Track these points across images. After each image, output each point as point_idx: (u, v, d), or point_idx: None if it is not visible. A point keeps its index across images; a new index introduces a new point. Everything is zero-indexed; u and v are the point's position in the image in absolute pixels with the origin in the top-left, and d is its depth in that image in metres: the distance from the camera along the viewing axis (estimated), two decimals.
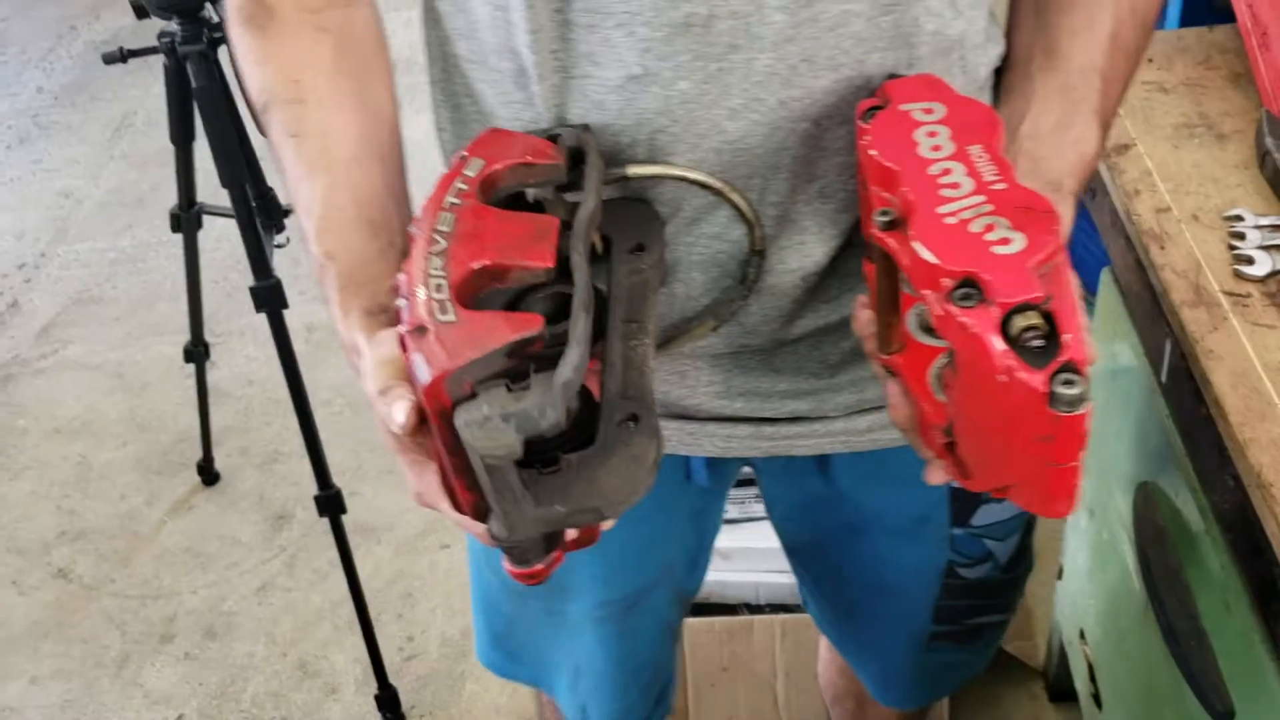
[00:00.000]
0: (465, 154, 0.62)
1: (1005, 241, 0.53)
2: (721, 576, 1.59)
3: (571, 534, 0.60)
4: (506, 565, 0.58)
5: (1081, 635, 1.32)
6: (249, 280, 1.48)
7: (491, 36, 0.68)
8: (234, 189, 1.46)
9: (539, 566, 0.58)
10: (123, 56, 1.62)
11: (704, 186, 0.68)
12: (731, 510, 1.58)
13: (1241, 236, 0.94)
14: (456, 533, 1.58)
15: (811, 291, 0.74)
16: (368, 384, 0.59)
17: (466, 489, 0.56)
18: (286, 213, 1.63)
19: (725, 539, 1.55)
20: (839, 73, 0.65)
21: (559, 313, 0.56)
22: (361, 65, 0.71)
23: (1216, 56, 1.14)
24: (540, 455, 0.54)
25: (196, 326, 1.88)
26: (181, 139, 1.65)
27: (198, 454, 2.07)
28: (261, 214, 1.56)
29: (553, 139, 0.65)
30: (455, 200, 0.59)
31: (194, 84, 1.47)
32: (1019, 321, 0.51)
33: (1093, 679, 1.29)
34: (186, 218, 1.74)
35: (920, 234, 0.54)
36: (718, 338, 0.75)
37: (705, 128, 0.66)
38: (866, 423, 0.81)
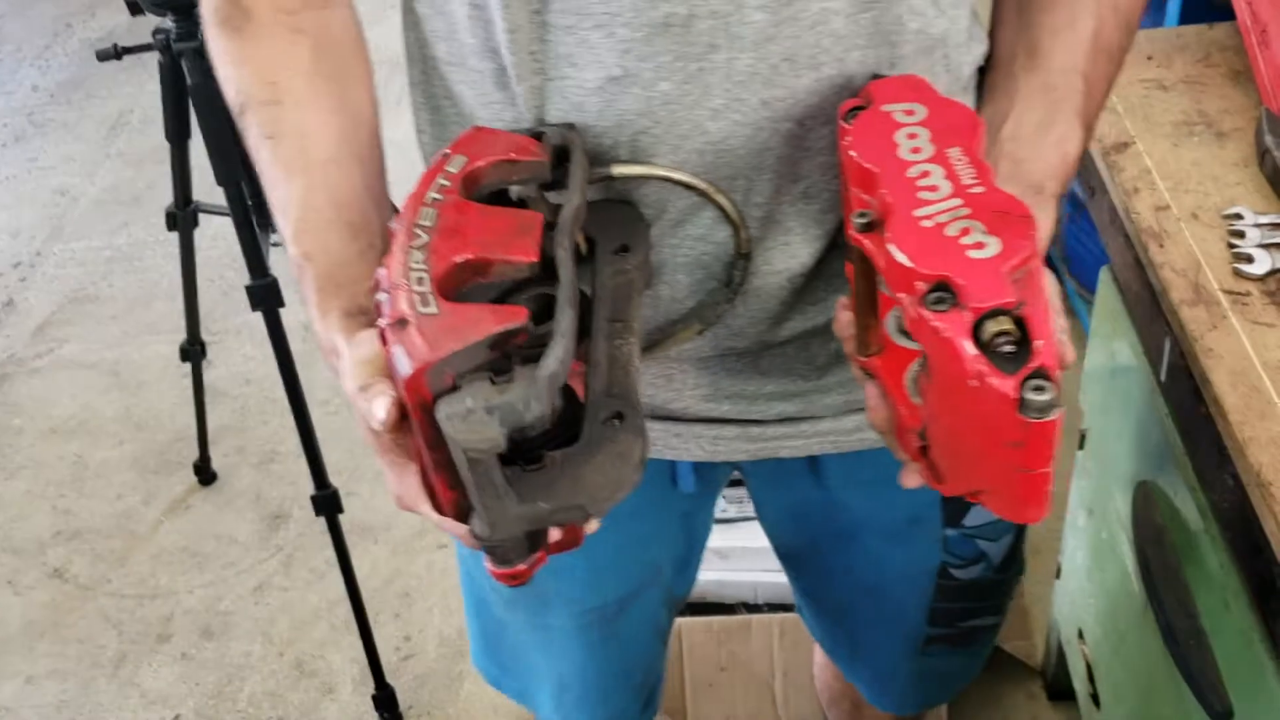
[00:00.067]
0: (448, 151, 0.62)
1: (980, 245, 0.53)
2: (719, 576, 1.59)
3: (555, 535, 0.59)
4: (489, 566, 0.57)
5: (1080, 634, 1.32)
6: (245, 279, 1.48)
7: (470, 38, 0.68)
8: (230, 187, 1.45)
9: (521, 567, 0.57)
10: (117, 53, 1.61)
11: (689, 187, 0.67)
12: (729, 509, 1.58)
13: (1241, 235, 0.93)
14: None
15: (798, 293, 0.74)
16: (347, 382, 0.58)
17: (448, 487, 0.55)
18: None
19: (723, 538, 1.56)
20: (821, 72, 0.65)
21: (544, 314, 0.55)
22: (339, 67, 0.70)
23: (1216, 54, 1.14)
24: (524, 453, 0.54)
25: (193, 325, 1.87)
26: (177, 136, 1.64)
27: (194, 453, 2.06)
28: (257, 212, 1.55)
29: (537, 137, 0.64)
30: (437, 196, 0.58)
31: (189, 81, 1.46)
32: (991, 327, 0.51)
33: (1091, 678, 1.29)
34: (182, 216, 1.74)
35: (896, 237, 0.54)
36: (704, 340, 0.75)
37: (687, 129, 0.65)
38: (854, 423, 0.80)
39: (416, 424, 0.53)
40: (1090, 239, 1.89)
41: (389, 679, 1.68)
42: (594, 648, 0.96)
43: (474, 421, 0.50)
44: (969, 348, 0.50)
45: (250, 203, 1.50)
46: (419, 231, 0.56)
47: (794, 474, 0.87)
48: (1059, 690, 1.54)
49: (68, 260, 2.70)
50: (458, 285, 0.55)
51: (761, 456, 0.82)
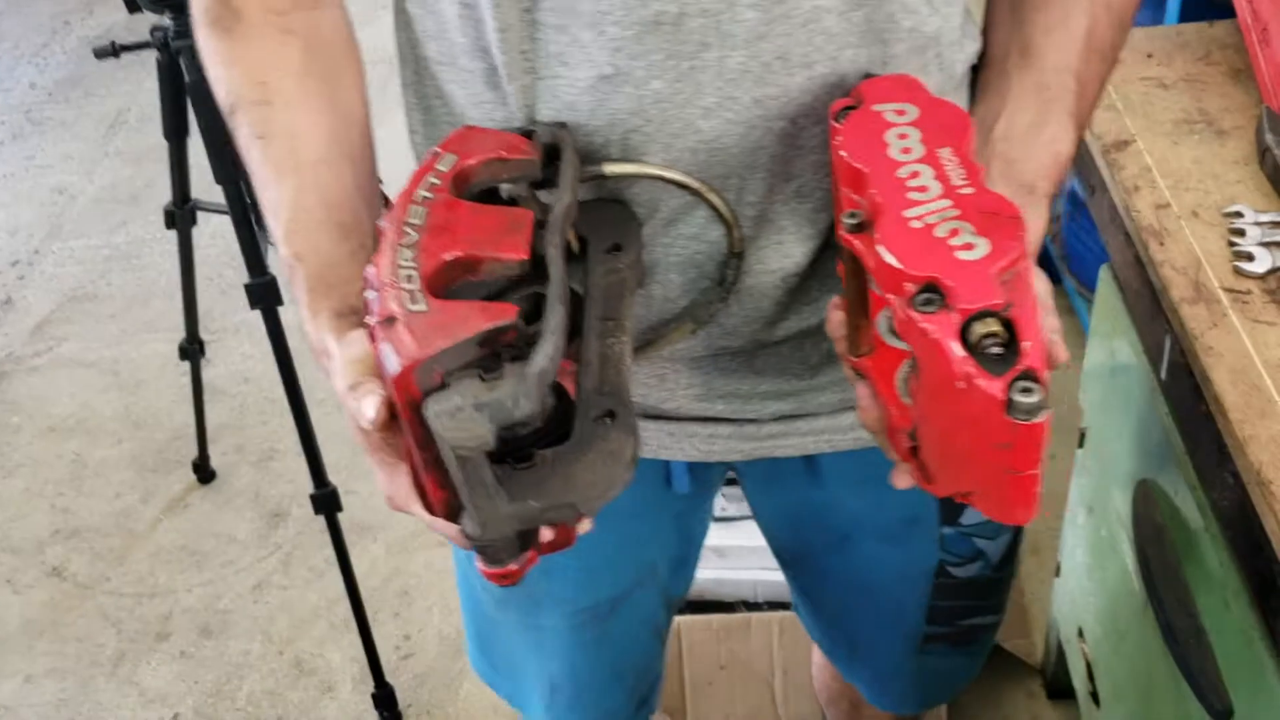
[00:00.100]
0: (438, 150, 0.61)
1: (969, 247, 0.53)
2: (719, 574, 1.59)
3: (547, 535, 0.58)
4: (480, 565, 0.57)
5: (1080, 633, 1.32)
6: (244, 277, 1.47)
7: (460, 37, 0.68)
8: (228, 185, 1.45)
9: (513, 567, 0.57)
10: (114, 51, 1.61)
11: (681, 186, 0.67)
12: (729, 508, 1.58)
13: (1241, 233, 0.93)
14: None
15: (792, 293, 0.73)
16: (337, 382, 0.58)
17: (438, 486, 0.55)
18: None
19: (723, 536, 1.56)
20: (813, 70, 0.65)
21: (535, 313, 0.55)
22: (330, 67, 0.70)
23: (1216, 52, 1.14)
24: (515, 452, 0.53)
25: (191, 324, 1.87)
26: (175, 134, 1.64)
27: (193, 452, 2.06)
28: (256, 210, 1.55)
29: (528, 135, 0.64)
30: (427, 194, 0.58)
31: (187, 79, 1.46)
32: (979, 328, 0.51)
33: (1091, 677, 1.29)
34: (181, 214, 1.73)
35: (885, 238, 0.54)
36: (697, 340, 0.75)
37: (679, 127, 0.65)
38: (849, 420, 0.80)
39: (406, 422, 0.53)
40: (1090, 237, 1.89)
41: (388, 678, 1.67)
42: (587, 648, 0.96)
43: (462, 419, 0.49)
44: (956, 349, 0.50)
45: (249, 201, 1.50)
46: (408, 230, 0.56)
47: (790, 474, 0.87)
48: (1059, 689, 1.54)
49: (66, 259, 2.69)
50: (447, 283, 0.55)
51: (756, 456, 0.82)
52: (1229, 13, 1.12)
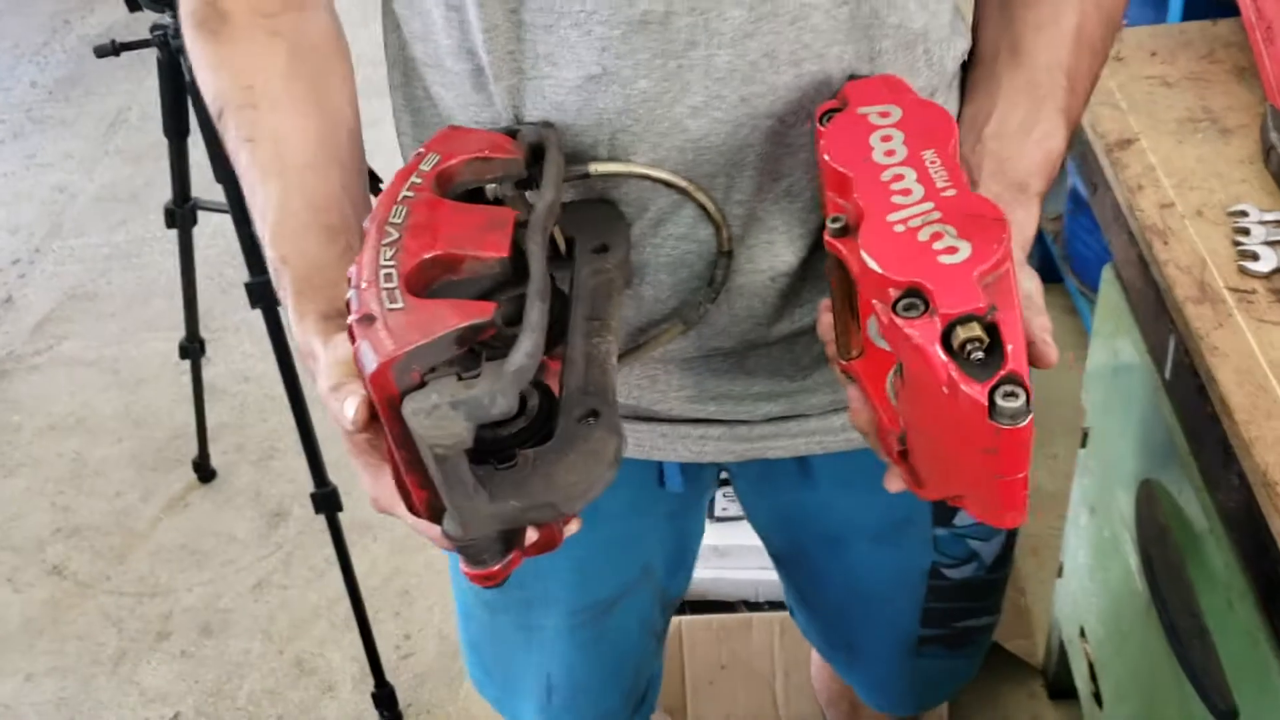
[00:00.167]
0: (422, 150, 0.61)
1: (951, 250, 0.52)
2: (719, 574, 1.59)
3: (532, 536, 0.58)
4: (463, 566, 0.56)
5: (1082, 633, 1.31)
6: (244, 276, 1.47)
7: (447, 38, 0.68)
8: (228, 184, 1.45)
9: (495, 568, 0.56)
10: (115, 49, 1.60)
11: (669, 185, 0.67)
12: (729, 508, 1.57)
13: (1246, 232, 0.93)
14: None
15: (783, 293, 0.73)
16: (321, 383, 0.58)
17: (420, 486, 0.54)
18: None
19: (723, 536, 1.56)
20: (801, 68, 0.64)
21: (518, 315, 0.54)
22: (317, 70, 0.70)
23: (1220, 50, 1.13)
24: (497, 452, 0.53)
25: (192, 322, 1.87)
26: (175, 133, 1.64)
27: (193, 451, 2.06)
28: None
29: (512, 135, 0.63)
30: (410, 194, 0.58)
31: (188, 77, 1.46)
32: (961, 333, 0.50)
33: (1093, 677, 1.28)
34: (181, 213, 1.73)
35: (868, 242, 0.54)
36: (688, 341, 0.74)
37: (667, 126, 0.65)
38: (842, 421, 0.80)
39: (385, 421, 0.52)
40: (1093, 236, 1.88)
41: (388, 677, 1.67)
42: (583, 648, 0.96)
43: (439, 417, 0.49)
44: (939, 354, 0.50)
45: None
46: (390, 229, 0.56)
47: (782, 475, 0.87)
48: (1060, 689, 1.54)
49: (66, 257, 2.69)
50: (428, 282, 0.55)
51: (749, 458, 0.82)
52: (1232, 11, 1.12)
